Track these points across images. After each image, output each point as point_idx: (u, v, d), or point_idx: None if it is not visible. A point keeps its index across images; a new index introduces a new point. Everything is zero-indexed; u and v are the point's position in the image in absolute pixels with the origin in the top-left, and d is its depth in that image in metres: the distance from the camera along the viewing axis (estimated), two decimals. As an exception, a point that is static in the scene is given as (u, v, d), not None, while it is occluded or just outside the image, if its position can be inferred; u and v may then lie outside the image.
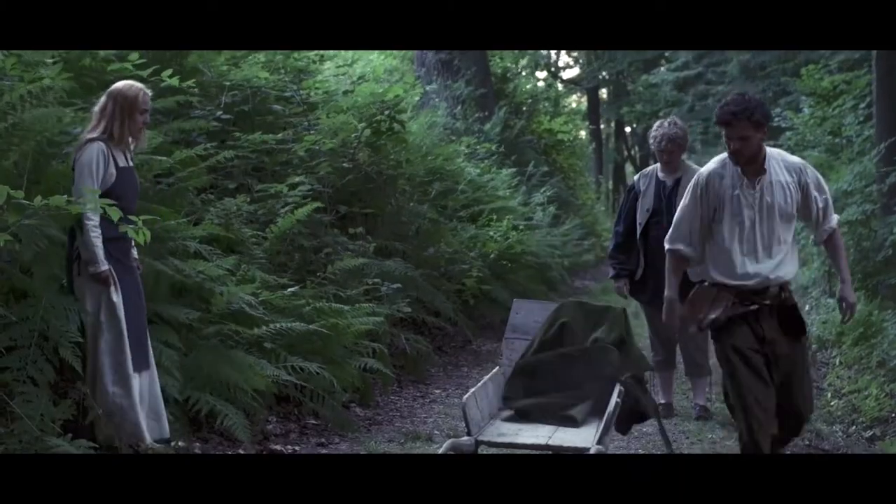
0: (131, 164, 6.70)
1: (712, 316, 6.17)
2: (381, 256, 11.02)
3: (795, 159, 6.27)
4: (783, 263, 6.16)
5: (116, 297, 6.42)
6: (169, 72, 8.31)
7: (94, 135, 6.46)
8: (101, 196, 6.13)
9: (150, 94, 6.73)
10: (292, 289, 8.44)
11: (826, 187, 6.28)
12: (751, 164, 6.06)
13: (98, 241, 6.29)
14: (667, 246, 6.42)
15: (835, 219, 6.27)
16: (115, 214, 5.50)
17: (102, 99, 6.62)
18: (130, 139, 6.65)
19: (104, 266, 6.32)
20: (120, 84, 6.67)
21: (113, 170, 6.43)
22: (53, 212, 5.70)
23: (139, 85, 6.71)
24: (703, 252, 6.30)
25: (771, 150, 6.19)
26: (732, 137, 5.96)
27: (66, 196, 5.42)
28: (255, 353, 7.58)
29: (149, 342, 6.71)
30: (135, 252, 6.71)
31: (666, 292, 6.44)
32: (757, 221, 6.10)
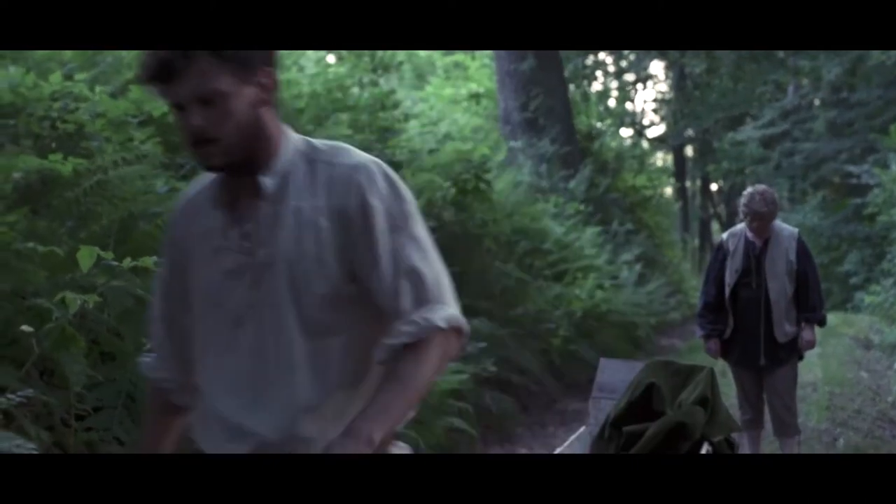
0: None
1: None
2: (468, 315, 10.98)
3: (355, 158, 2.72)
4: (320, 406, 2.75)
5: None
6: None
7: None
8: None
9: None
10: (378, 348, 8.42)
11: (421, 238, 2.86)
12: (251, 171, 2.66)
13: None
14: None
15: (444, 315, 2.92)
16: None
17: None
18: None
19: None
20: None
21: None
22: (141, 273, 5.73)
23: None
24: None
25: (298, 138, 2.76)
26: (184, 100, 2.62)
27: (153, 257, 5.44)
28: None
29: None
30: None
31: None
32: (250, 307, 2.68)
